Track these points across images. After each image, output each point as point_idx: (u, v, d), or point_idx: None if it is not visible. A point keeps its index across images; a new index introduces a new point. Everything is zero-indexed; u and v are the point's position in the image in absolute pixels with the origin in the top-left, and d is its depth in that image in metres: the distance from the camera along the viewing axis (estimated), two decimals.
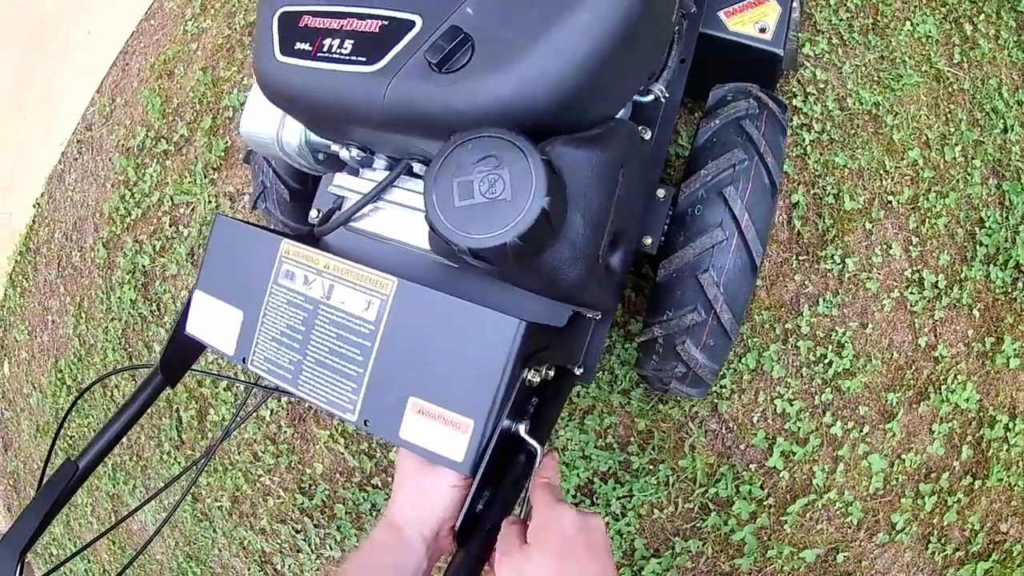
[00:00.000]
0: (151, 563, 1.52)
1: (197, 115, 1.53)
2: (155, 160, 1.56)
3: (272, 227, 1.07)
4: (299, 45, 0.60)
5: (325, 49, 0.58)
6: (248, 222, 0.70)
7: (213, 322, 0.68)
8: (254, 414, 1.34)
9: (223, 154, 1.47)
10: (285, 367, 0.63)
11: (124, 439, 1.55)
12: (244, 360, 0.66)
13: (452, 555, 0.51)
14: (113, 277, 1.56)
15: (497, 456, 0.53)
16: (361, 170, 0.74)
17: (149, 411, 1.48)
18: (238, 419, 1.22)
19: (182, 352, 0.76)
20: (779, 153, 0.80)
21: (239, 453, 1.37)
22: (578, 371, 0.83)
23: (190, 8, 1.65)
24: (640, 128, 0.83)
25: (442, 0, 0.56)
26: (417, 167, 0.68)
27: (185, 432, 1.44)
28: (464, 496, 0.53)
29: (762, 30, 0.91)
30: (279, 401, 1.34)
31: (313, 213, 0.89)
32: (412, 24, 0.56)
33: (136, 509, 0.87)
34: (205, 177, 1.47)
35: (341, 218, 0.69)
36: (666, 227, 0.83)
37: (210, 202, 1.46)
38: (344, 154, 0.71)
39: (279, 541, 1.33)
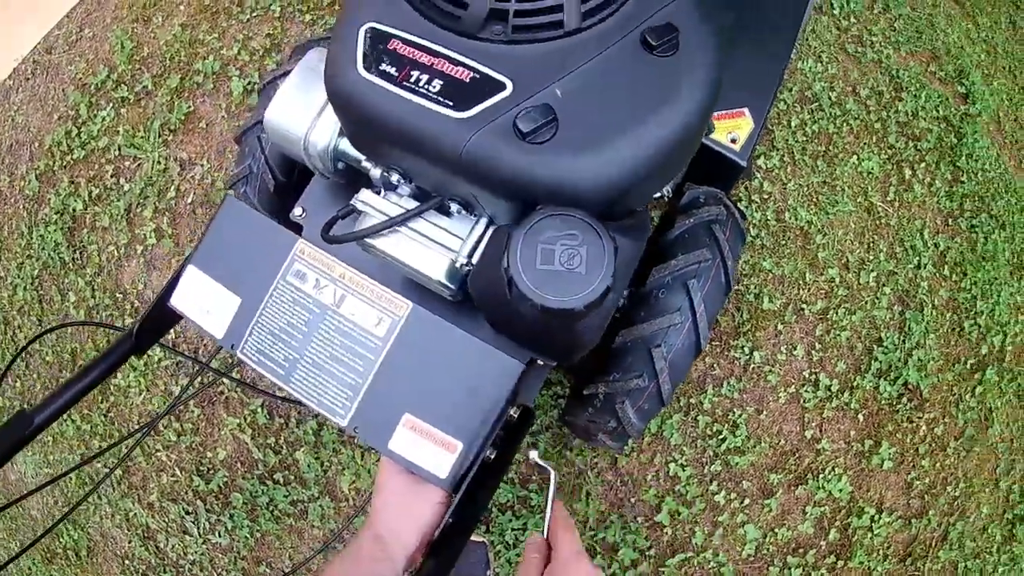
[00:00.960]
0: (24, 517, 1.44)
1: (165, 70, 1.47)
2: (111, 104, 1.49)
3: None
4: (385, 67, 0.61)
5: (412, 80, 0.60)
6: (260, 209, 0.71)
7: (204, 301, 0.69)
8: (160, 386, 1.30)
9: (183, 118, 1.42)
10: (279, 362, 0.65)
11: (21, 390, 1.46)
12: (233, 346, 0.67)
13: (419, 563, 0.57)
14: (39, 213, 1.48)
15: (474, 477, 0.60)
16: (383, 191, 0.75)
17: (50, 364, 1.42)
18: (182, 398, 1.19)
19: (158, 322, 0.77)
20: (737, 256, 0.91)
21: (139, 423, 1.33)
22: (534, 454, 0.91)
23: None
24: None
25: (535, 74, 0.60)
26: (454, 207, 0.72)
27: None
28: (444, 513, 0.60)
29: (733, 140, 1.00)
30: (191, 381, 1.31)
31: (297, 211, 0.89)
32: (503, 86, 0.59)
33: (54, 480, 0.84)
34: (159, 136, 1.42)
35: (366, 231, 0.70)
36: (624, 298, 0.90)
37: (159, 163, 1.41)
38: (375, 173, 0.73)
39: (167, 519, 1.30)
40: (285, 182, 0.96)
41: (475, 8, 0.60)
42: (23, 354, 1.39)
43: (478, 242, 0.68)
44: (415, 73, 0.61)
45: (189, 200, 1.41)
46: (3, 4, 1.67)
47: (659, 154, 0.61)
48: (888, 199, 1.40)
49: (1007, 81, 1.58)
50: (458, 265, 0.69)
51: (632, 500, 1.22)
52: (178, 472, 1.30)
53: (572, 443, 1.23)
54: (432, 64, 0.61)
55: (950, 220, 1.41)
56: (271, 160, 0.94)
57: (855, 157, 1.40)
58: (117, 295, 1.38)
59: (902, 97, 1.47)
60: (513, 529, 1.21)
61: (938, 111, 1.48)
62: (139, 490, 1.33)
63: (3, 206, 1.54)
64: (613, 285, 0.56)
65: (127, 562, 1.32)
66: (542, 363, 0.80)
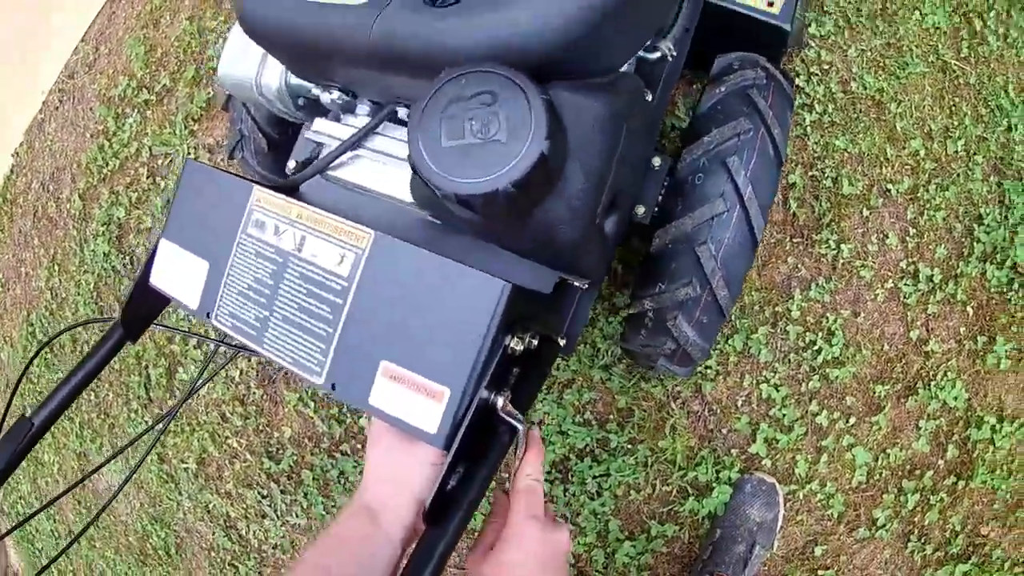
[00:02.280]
0: (116, 524, 1.48)
1: (180, 65, 1.48)
2: (135, 110, 1.51)
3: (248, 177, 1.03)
4: None
5: None
6: (219, 168, 0.65)
7: (178, 273, 0.63)
8: (221, 373, 1.30)
9: (204, 105, 1.42)
10: (251, 323, 0.58)
11: (92, 396, 1.51)
12: (208, 315, 0.61)
13: (421, 535, 0.47)
14: (88, 229, 1.52)
15: (474, 430, 0.48)
16: (342, 116, 0.70)
17: (117, 368, 1.45)
18: (203, 378, 1.17)
19: (145, 305, 0.71)
20: (785, 126, 0.77)
21: (207, 414, 1.33)
22: (561, 342, 0.79)
23: None
24: (644, 89, 0.80)
25: None
26: (403, 113, 0.64)
27: (153, 390, 1.40)
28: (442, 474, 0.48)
29: (770, 3, 0.87)
30: (248, 361, 1.30)
31: (291, 164, 0.85)
32: None
33: (99, 467, 0.82)
34: (185, 128, 1.43)
35: (319, 165, 0.65)
36: (660, 197, 0.79)
37: (189, 153, 1.42)
38: (325, 97, 0.67)
39: (244, 506, 1.30)
40: (279, 139, 0.92)
41: None
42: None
43: None
44: None
45: None
46: (19, 52, 1.74)
47: None
48: (962, 56, 1.21)
49: None
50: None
51: (723, 431, 1.10)
52: (249, 456, 1.29)
53: (648, 373, 1.12)
54: None
55: None
56: (258, 119, 0.92)
57: (917, 12, 1.21)
58: None
59: None
60: (595, 477, 1.11)
61: None
62: (215, 480, 1.33)
63: (55, 231, 1.60)
64: (555, 151, 0.45)
65: (213, 554, 1.33)
66: (577, 284, 0.69)
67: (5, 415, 0.69)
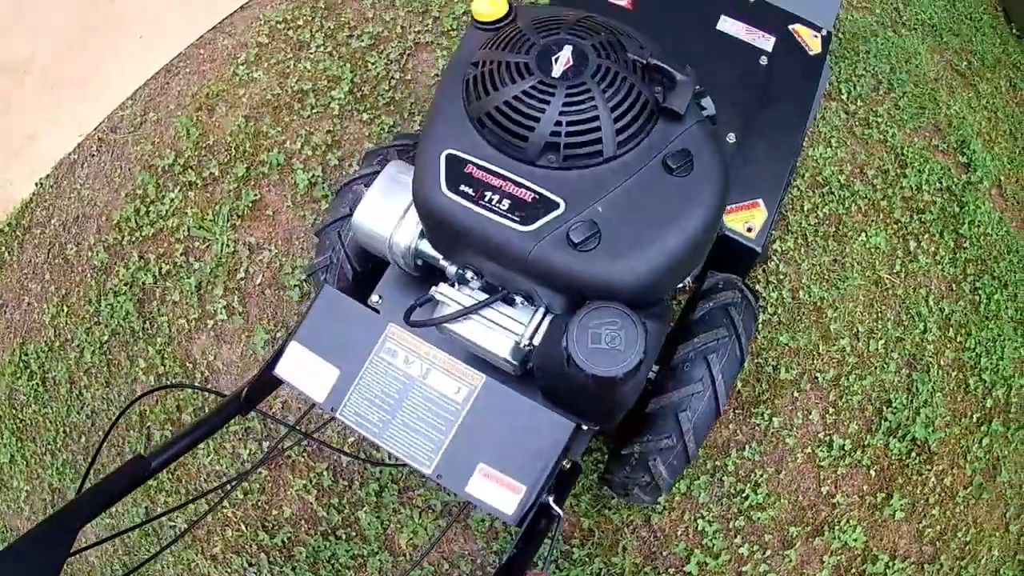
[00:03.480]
0: (86, 566, 1.52)
1: (231, 159, 1.60)
2: (179, 187, 1.61)
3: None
4: (464, 188, 0.79)
5: (486, 199, 0.78)
6: (351, 297, 0.87)
7: (306, 371, 0.85)
8: (228, 448, 1.41)
9: (251, 205, 1.55)
10: (374, 423, 0.81)
11: (83, 439, 1.56)
12: (333, 409, 0.83)
13: None
14: (108, 283, 1.59)
15: (532, 518, 0.76)
16: (457, 285, 0.91)
17: (119, 422, 1.51)
18: (270, 456, 1.32)
19: (263, 387, 0.92)
20: (749, 333, 1.06)
21: (207, 483, 1.43)
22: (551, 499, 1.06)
23: (244, 52, 1.72)
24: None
25: (582, 193, 0.76)
26: (519, 300, 0.88)
27: (152, 449, 1.48)
28: None
29: (749, 229, 1.14)
30: (260, 444, 1.42)
31: (375, 297, 1.05)
32: (558, 205, 0.76)
33: (149, 558, 0.93)
34: (228, 221, 1.55)
35: (446, 318, 0.87)
36: (653, 372, 1.04)
37: (228, 245, 1.54)
38: (451, 270, 0.89)
39: (229, 570, 1.39)
40: (361, 272, 1.10)
41: (534, 140, 0.77)
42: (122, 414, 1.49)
43: (538, 327, 0.85)
44: (488, 193, 0.78)
45: (258, 281, 1.53)
46: (56, 82, 1.80)
47: (678, 256, 0.78)
48: (895, 271, 1.53)
49: (1008, 144, 1.71)
50: (521, 345, 0.85)
51: (664, 553, 1.34)
52: (243, 527, 1.40)
53: (610, 503, 1.34)
54: (501, 186, 0.78)
55: (954, 285, 1.54)
56: (350, 253, 1.09)
57: (863, 234, 1.54)
58: (187, 364, 1.50)
59: (906, 173, 1.61)
60: None
61: (941, 182, 1.61)
62: (203, 543, 1.42)
63: (71, 273, 1.66)
64: (644, 358, 0.72)
65: None
66: (586, 428, 0.96)
67: (98, 450, 0.87)
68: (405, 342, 0.83)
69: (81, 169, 1.74)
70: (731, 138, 1.17)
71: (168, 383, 1.39)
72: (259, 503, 1.41)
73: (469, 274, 0.88)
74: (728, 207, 1.15)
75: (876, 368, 1.45)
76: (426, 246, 0.92)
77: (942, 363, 1.47)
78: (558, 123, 0.75)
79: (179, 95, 1.71)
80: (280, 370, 0.86)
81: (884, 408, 1.43)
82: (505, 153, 0.79)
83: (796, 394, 1.41)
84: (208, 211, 1.58)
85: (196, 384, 1.48)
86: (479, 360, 0.93)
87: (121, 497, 0.80)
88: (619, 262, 0.75)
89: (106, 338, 1.56)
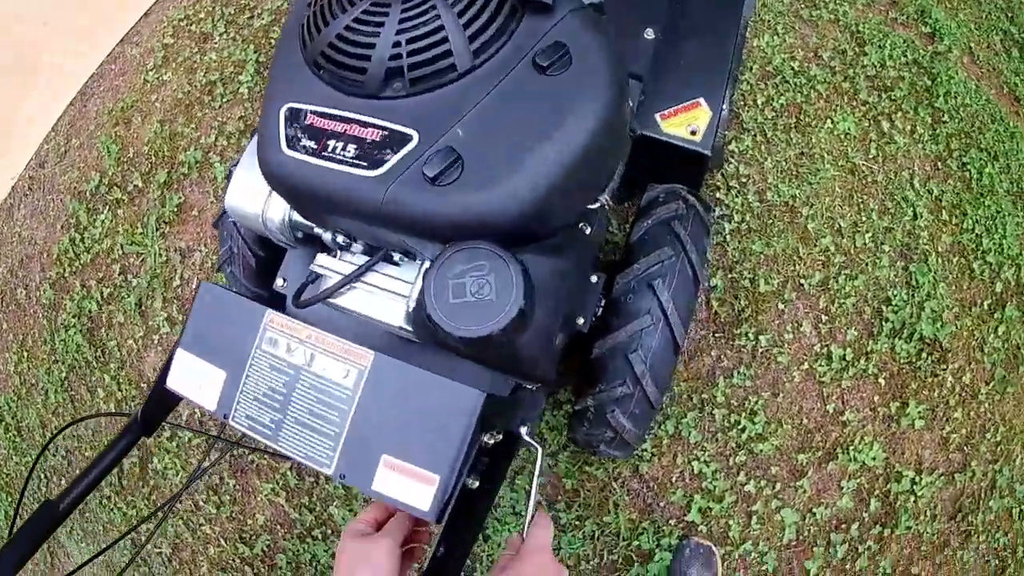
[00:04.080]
0: None
1: (152, 167, 1.55)
2: (107, 207, 1.57)
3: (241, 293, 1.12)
4: (305, 142, 0.68)
5: (330, 150, 0.67)
6: (231, 289, 0.76)
7: (195, 379, 0.74)
8: (194, 464, 1.36)
9: (176, 209, 1.49)
10: (266, 424, 0.70)
11: (63, 480, 1.53)
12: (225, 416, 0.72)
13: None
14: (58, 319, 1.56)
15: (456, 507, 0.63)
16: (339, 252, 0.81)
17: (89, 456, 1.48)
18: (201, 470, 1.26)
19: (160, 404, 0.83)
20: (702, 250, 0.92)
21: (180, 502, 1.39)
22: (523, 431, 0.92)
23: (152, 58, 1.66)
24: (581, 224, 0.93)
25: (437, 120, 0.64)
26: (397, 256, 0.77)
27: (127, 479, 1.44)
28: (399, 561, 0.60)
29: (693, 132, 1.01)
30: (224, 455, 1.36)
31: (279, 282, 0.96)
32: (410, 138, 0.64)
33: (85, 563, 0.90)
34: (157, 230, 1.49)
35: (325, 294, 0.77)
36: (598, 309, 0.93)
37: (160, 255, 1.48)
38: (327, 237, 0.79)
39: None
40: (266, 257, 1.01)
41: (374, 70, 0.65)
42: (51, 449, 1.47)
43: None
44: (331, 143, 0.67)
45: (194, 285, 1.47)
46: None
47: (566, 171, 0.65)
48: (871, 156, 1.38)
49: (973, 9, 1.54)
50: (410, 309, 0.74)
51: (661, 504, 1.23)
52: (223, 542, 1.35)
53: (590, 458, 1.24)
54: (344, 130, 0.67)
55: (939, 163, 1.39)
56: (248, 240, 1.00)
57: (829, 121, 1.39)
58: (142, 385, 1.45)
59: (866, 51, 1.46)
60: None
61: (906, 56, 1.45)
62: (189, 565, 1.38)
63: (24, 317, 1.63)
64: (529, 305, 0.59)
65: None
66: (528, 387, 0.83)
67: (20, 500, 0.82)
68: (285, 329, 0.70)
69: (18, 211, 1.71)
70: (650, 34, 1.04)
71: (80, 416, 1.30)
72: (233, 514, 1.35)
73: (340, 238, 0.78)
74: (663, 111, 1.03)
75: (867, 265, 1.31)
76: (299, 216, 0.82)
77: (940, 249, 1.32)
78: (397, 43, 0.64)
79: (97, 115, 1.67)
80: (171, 382, 0.75)
81: (883, 308, 1.28)
82: (346, 92, 0.68)
83: (781, 306, 1.28)
84: (137, 225, 1.53)
85: (103, 411, 1.42)
86: (388, 337, 0.82)
87: (37, 547, 0.74)
88: (488, 191, 0.63)
89: (64, 375, 1.53)
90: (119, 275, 1.51)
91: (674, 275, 0.87)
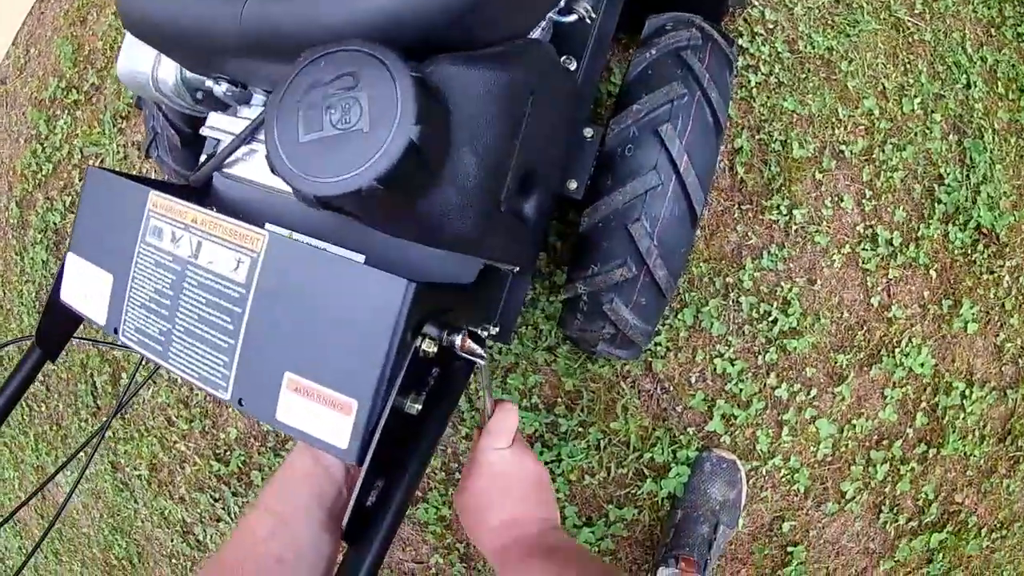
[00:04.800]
0: (79, 536, 1.45)
1: (108, 61, 1.43)
2: (66, 111, 1.46)
3: (166, 177, 0.98)
4: None
5: None
6: (123, 173, 0.59)
7: (85, 288, 0.59)
8: (164, 374, 1.26)
9: (132, 101, 1.37)
10: (155, 337, 0.53)
11: (43, 407, 1.47)
12: (116, 330, 0.56)
13: (343, 555, 0.44)
14: (26, 237, 1.47)
15: (390, 438, 0.44)
16: (238, 107, 0.66)
17: (64, 377, 1.41)
18: (130, 389, 1.13)
19: (61, 322, 0.67)
20: (724, 89, 0.70)
21: (153, 419, 1.29)
22: (494, 331, 0.74)
23: None
24: (565, 58, 0.74)
25: None
26: None
27: (101, 398, 1.36)
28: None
29: None
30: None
31: (203, 159, 0.81)
32: None
33: (48, 480, 0.82)
34: (114, 126, 1.38)
35: (212, 164, 0.61)
36: (594, 170, 0.74)
37: (118, 152, 1.37)
38: (217, 90, 0.63)
39: (199, 510, 1.26)
40: (192, 134, 0.88)
41: None
42: None
43: None
44: None
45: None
46: None
47: None
48: (916, 12, 1.14)
49: None
50: None
51: (677, 409, 1.06)
52: (198, 460, 1.26)
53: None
54: None
55: (992, 30, 1.14)
56: (169, 115, 0.88)
57: None
58: None
59: None
60: (546, 463, 1.07)
61: None
62: (168, 486, 1.29)
63: None
64: (429, 136, 0.39)
65: (174, 561, 1.30)
66: (505, 269, 0.65)
67: None
68: (169, 213, 0.54)
69: None
70: None
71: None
72: (205, 428, 1.25)
73: (225, 86, 0.62)
74: None
75: (916, 134, 1.08)
76: (190, 73, 0.68)
77: (996, 127, 1.09)
78: None
79: (53, 20, 1.55)
80: (64, 295, 0.61)
81: (935, 187, 1.07)
82: None
83: (819, 175, 1.08)
84: (95, 124, 1.41)
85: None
86: (329, 219, 0.63)
87: None
88: None
89: (34, 294, 1.44)
90: (80, 181, 1.41)
91: (688, 119, 0.66)
